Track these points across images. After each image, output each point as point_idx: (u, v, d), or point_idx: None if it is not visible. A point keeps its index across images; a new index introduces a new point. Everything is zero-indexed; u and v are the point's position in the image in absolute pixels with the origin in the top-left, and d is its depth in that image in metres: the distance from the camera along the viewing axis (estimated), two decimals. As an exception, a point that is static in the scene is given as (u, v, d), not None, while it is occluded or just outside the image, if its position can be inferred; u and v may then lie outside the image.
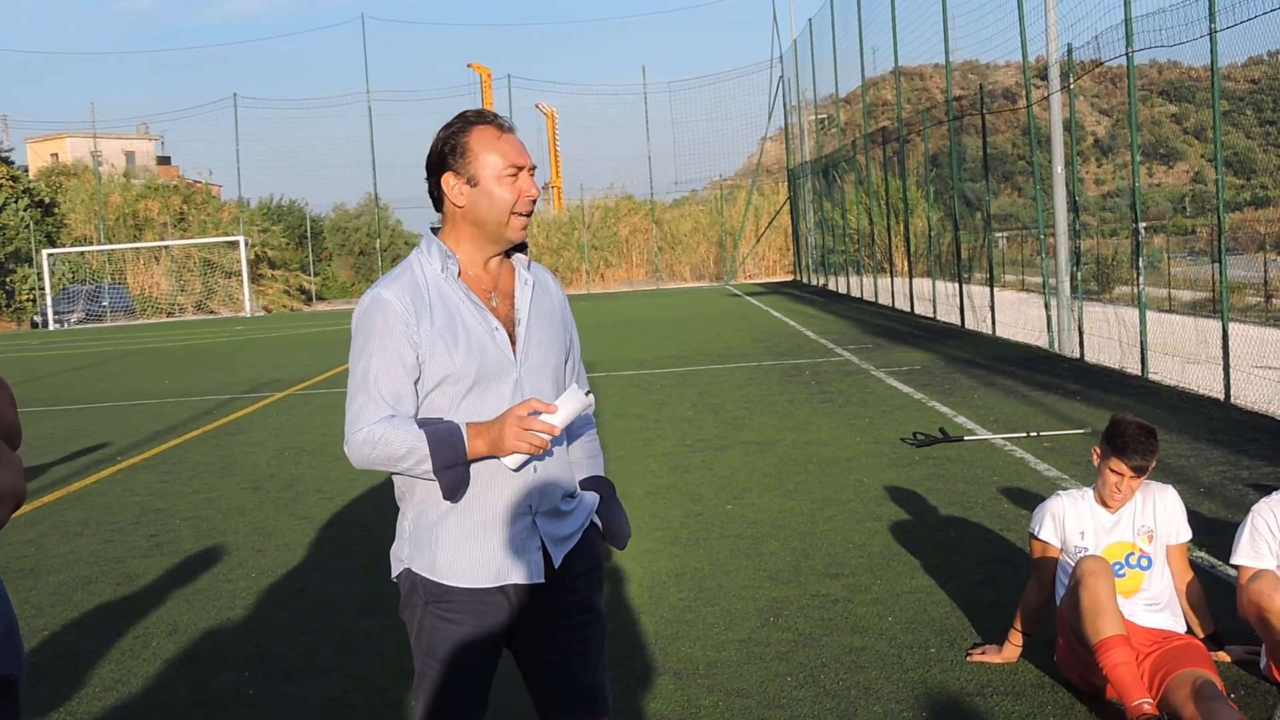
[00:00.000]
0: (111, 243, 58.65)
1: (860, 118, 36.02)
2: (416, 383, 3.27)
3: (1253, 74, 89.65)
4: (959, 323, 23.84)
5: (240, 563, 8.31)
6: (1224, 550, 5.93)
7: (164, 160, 77.32)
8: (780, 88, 54.21)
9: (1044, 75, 18.41)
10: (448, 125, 3.35)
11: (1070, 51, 16.97)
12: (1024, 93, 19.82)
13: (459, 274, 3.34)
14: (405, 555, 3.38)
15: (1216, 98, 12.90)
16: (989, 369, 16.64)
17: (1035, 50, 19.23)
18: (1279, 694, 5.08)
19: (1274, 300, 24.52)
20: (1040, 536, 5.48)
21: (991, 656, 5.60)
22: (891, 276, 31.55)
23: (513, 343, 3.35)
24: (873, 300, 33.20)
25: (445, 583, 3.31)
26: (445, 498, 3.25)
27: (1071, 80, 17.20)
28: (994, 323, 21.50)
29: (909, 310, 28.86)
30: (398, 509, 3.45)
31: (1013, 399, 13.74)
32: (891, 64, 29.66)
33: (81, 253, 57.82)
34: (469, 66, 69.62)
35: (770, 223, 58.97)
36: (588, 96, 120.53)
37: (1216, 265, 13.21)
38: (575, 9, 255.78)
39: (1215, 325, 13.09)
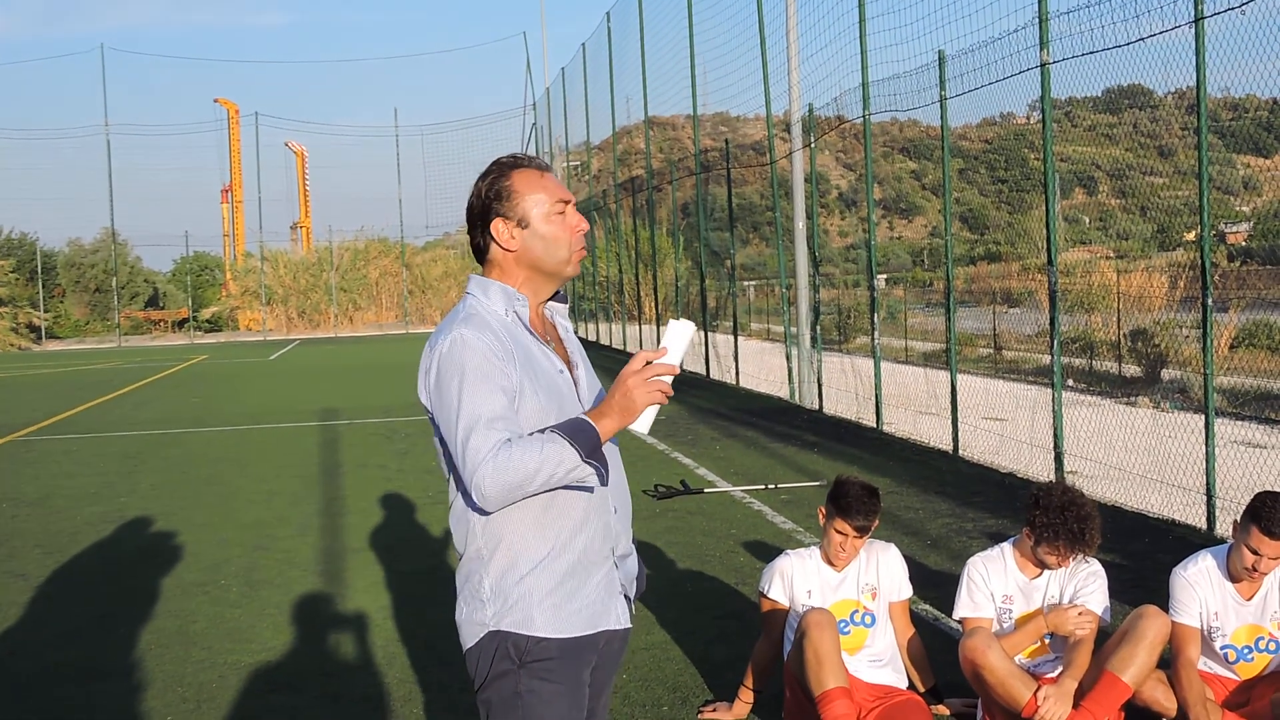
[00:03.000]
0: None
1: (612, 165, 36.39)
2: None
3: (987, 134, 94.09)
4: (705, 372, 24.21)
5: (-54, 625, 7.83)
6: (947, 603, 6.10)
7: (-118, 189, 73.27)
8: (533, 134, 54.46)
9: (790, 129, 18.87)
10: (485, 174, 3.22)
11: (811, 110, 17.47)
12: (770, 147, 20.31)
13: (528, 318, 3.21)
14: (488, 618, 3.09)
15: (947, 159, 13.50)
16: (732, 420, 16.92)
17: (781, 106, 19.71)
18: (994, 747, 5.23)
19: (1003, 351, 25.55)
20: (769, 595, 5.55)
21: (722, 714, 5.63)
22: (640, 324, 31.87)
23: (574, 385, 3.25)
24: (621, 348, 33.49)
25: (547, 636, 3.06)
26: (602, 484, 3.03)
27: (813, 138, 17.69)
28: (738, 373, 21.88)
29: (657, 358, 29.07)
30: (458, 576, 3.19)
31: (753, 451, 13.97)
32: (644, 113, 30.07)
33: None
34: (216, 101, 68.23)
35: (522, 268, 59.01)
36: (339, 137, 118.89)
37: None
38: (328, 49, 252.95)
39: (947, 377, 13.55)
